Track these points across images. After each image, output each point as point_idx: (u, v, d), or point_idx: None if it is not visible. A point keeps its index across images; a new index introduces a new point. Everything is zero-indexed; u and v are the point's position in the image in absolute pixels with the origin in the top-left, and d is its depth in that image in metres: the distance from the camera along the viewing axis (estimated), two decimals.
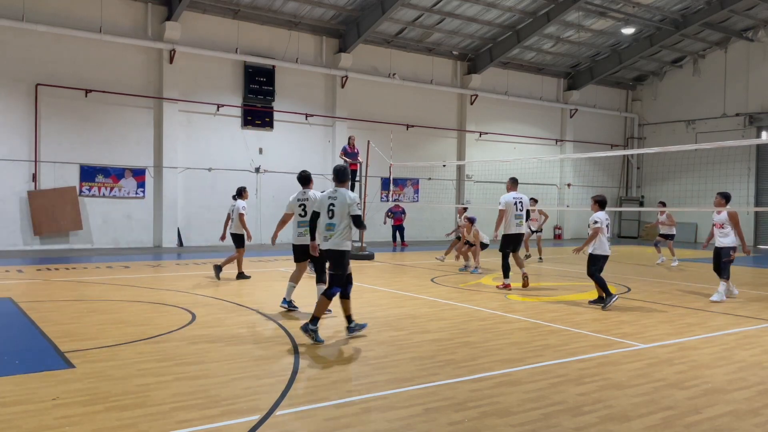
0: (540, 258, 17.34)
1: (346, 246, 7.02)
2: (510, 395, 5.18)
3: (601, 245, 9.61)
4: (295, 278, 8.98)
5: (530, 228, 17.06)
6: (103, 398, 4.91)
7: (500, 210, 11.35)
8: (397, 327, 7.82)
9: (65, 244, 18.22)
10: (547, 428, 4.50)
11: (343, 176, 7.16)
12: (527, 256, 17.15)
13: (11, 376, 5.45)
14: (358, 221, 6.99)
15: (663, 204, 17.31)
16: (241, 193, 12.71)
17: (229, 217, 12.79)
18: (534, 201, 18.52)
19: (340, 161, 19.56)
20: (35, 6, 17.48)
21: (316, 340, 6.80)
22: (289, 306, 8.80)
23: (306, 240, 8.34)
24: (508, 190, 11.60)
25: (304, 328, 6.86)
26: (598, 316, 8.93)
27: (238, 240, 12.29)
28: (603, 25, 24.26)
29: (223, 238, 13.01)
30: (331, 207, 7.02)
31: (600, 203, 9.89)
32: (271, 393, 5.12)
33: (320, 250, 7.24)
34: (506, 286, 11.37)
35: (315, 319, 6.87)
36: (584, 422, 4.62)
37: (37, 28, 17.31)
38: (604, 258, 9.68)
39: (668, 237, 17.08)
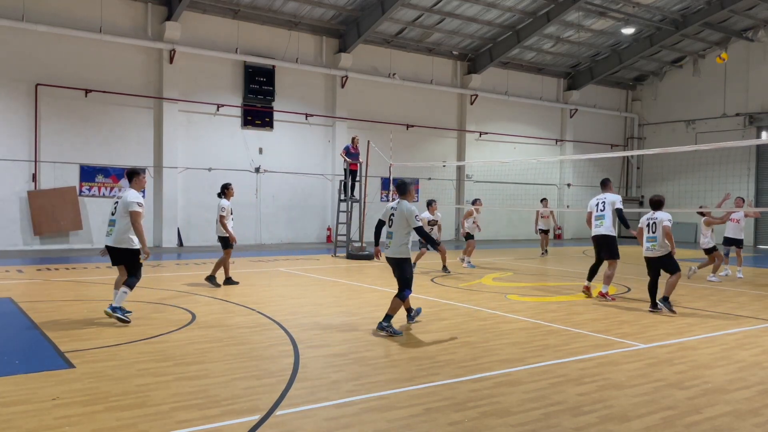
0: (545, 251, 18.59)
1: (404, 253, 7.45)
2: (510, 395, 5.18)
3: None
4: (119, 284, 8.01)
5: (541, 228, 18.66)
6: (103, 398, 4.90)
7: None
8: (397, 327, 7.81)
9: (65, 244, 18.21)
10: (547, 428, 4.50)
11: (403, 189, 7.62)
12: (546, 253, 18.53)
13: (11, 376, 5.45)
14: (419, 232, 7.41)
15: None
16: (224, 190, 11.23)
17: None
18: (546, 201, 19.56)
19: (340, 160, 19.60)
20: (35, 6, 17.48)
21: (394, 334, 7.30)
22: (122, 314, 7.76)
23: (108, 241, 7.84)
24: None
25: (380, 327, 7.42)
26: (598, 316, 8.93)
27: (223, 242, 11.12)
28: (603, 25, 24.26)
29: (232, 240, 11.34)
30: (391, 217, 7.56)
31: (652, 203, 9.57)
32: (271, 393, 5.12)
33: (386, 257, 7.62)
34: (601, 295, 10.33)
35: (388, 317, 7.41)
36: (584, 422, 4.62)
37: (37, 28, 17.32)
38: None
39: None
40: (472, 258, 15.89)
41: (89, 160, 18.56)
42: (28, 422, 4.39)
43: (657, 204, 9.40)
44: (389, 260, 7.56)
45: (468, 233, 15.68)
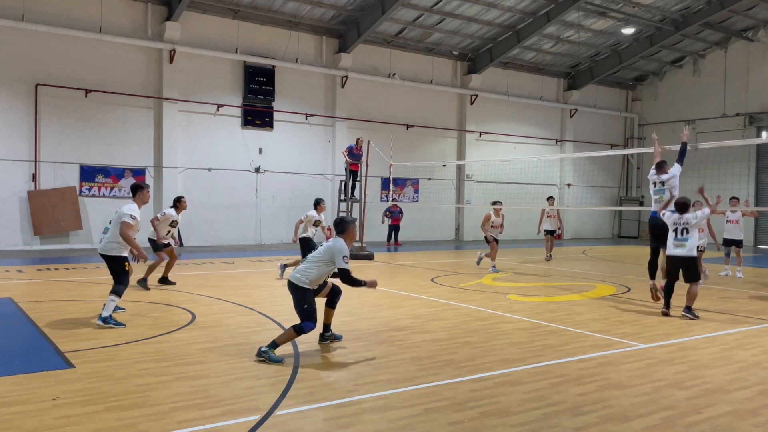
0: (549, 256, 17.75)
1: (304, 284, 6.43)
2: (510, 395, 5.18)
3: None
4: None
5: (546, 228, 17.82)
6: (103, 398, 4.91)
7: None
8: (397, 327, 7.82)
9: (65, 244, 18.21)
10: (547, 428, 4.50)
11: (341, 228, 6.68)
12: (549, 258, 17.52)
13: (11, 376, 5.45)
14: (344, 275, 6.44)
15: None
16: (176, 203, 11.40)
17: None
18: (552, 199, 18.63)
19: (341, 158, 19.60)
20: (35, 6, 17.48)
21: (273, 360, 6.10)
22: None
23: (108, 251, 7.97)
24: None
25: (259, 352, 6.19)
26: (598, 316, 8.93)
27: (154, 245, 11.03)
28: (603, 25, 24.26)
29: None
30: (320, 246, 6.79)
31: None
32: (271, 393, 5.12)
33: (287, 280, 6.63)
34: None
35: (274, 343, 6.25)
36: (584, 422, 4.62)
37: (37, 28, 17.31)
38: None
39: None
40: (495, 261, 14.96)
41: (89, 160, 18.56)
42: (28, 422, 4.39)
43: (684, 207, 8.98)
44: (289, 284, 6.55)
45: (486, 237, 14.77)
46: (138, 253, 7.90)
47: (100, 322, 7.54)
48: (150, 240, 11.11)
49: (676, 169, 10.01)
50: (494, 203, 15.04)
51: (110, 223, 8.09)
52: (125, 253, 7.95)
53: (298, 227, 12.54)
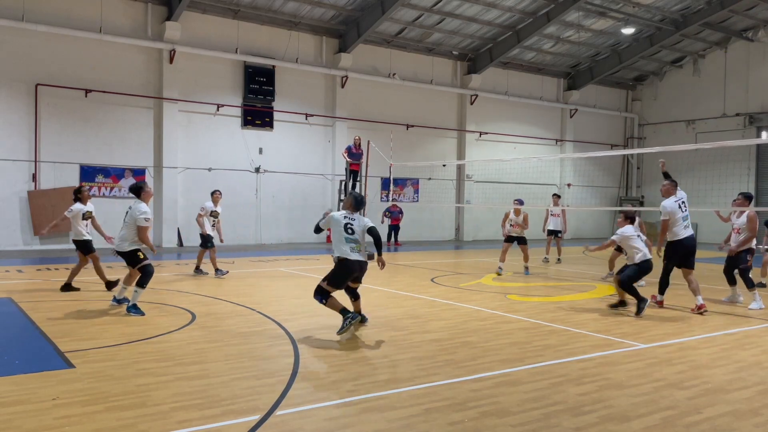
0: (558, 259, 16.82)
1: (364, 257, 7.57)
2: (510, 395, 5.18)
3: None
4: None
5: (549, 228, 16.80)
6: (103, 398, 4.91)
7: (663, 220, 9.25)
8: (397, 327, 7.82)
9: (65, 244, 18.18)
10: (547, 428, 4.50)
11: (363, 203, 7.98)
12: (545, 260, 16.62)
13: (11, 376, 5.45)
14: (374, 230, 7.60)
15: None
16: (77, 195, 10.79)
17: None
18: (557, 197, 17.40)
19: (341, 158, 19.60)
20: (35, 6, 17.48)
21: (357, 320, 7.31)
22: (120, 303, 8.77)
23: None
24: (667, 194, 9.59)
25: (348, 321, 7.16)
26: (598, 316, 8.93)
27: (82, 246, 10.71)
28: (603, 25, 24.26)
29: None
30: (349, 226, 7.51)
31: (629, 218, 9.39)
32: (271, 393, 5.12)
33: (350, 260, 7.37)
34: (659, 303, 9.75)
35: (344, 310, 7.30)
36: (584, 422, 4.62)
37: (37, 28, 17.31)
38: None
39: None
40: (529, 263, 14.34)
41: (89, 160, 18.56)
42: (28, 422, 4.39)
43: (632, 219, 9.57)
44: (360, 263, 7.44)
45: (509, 235, 14.13)
46: (152, 249, 8.68)
47: (126, 312, 8.29)
48: (79, 242, 10.74)
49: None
50: (515, 201, 14.36)
51: (125, 220, 8.67)
52: (136, 246, 8.60)
53: (201, 221, 12.52)
